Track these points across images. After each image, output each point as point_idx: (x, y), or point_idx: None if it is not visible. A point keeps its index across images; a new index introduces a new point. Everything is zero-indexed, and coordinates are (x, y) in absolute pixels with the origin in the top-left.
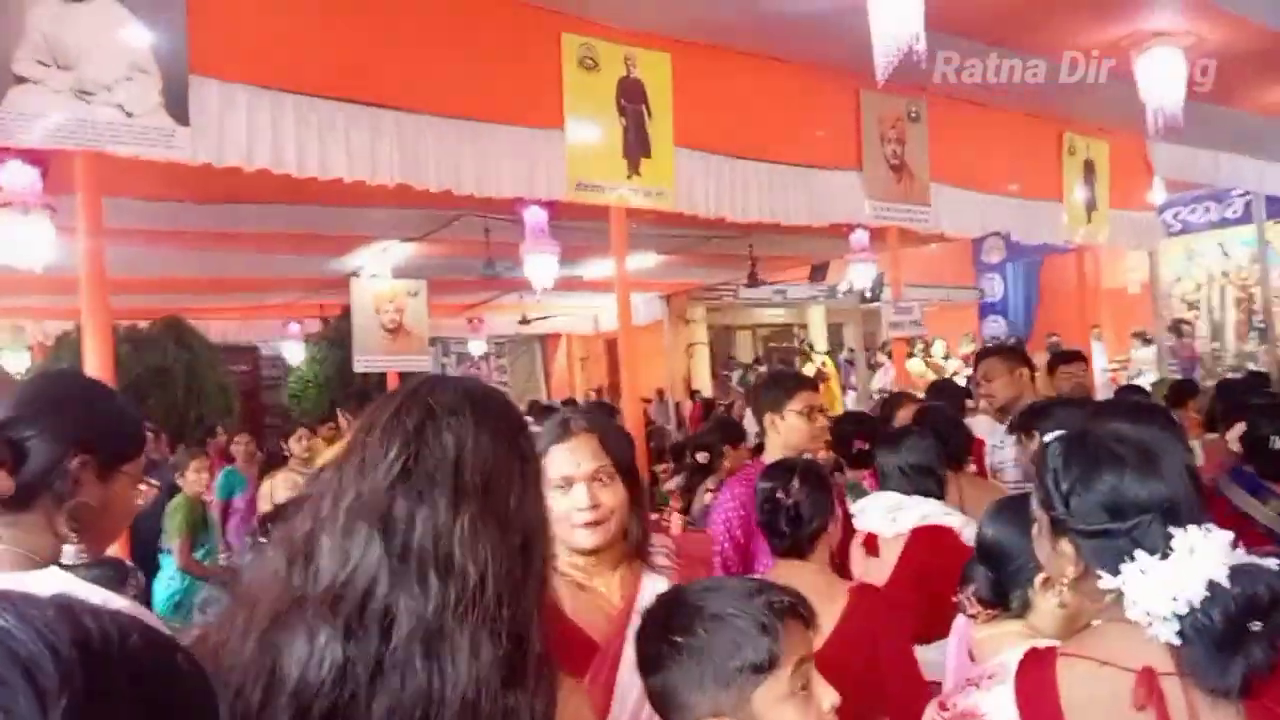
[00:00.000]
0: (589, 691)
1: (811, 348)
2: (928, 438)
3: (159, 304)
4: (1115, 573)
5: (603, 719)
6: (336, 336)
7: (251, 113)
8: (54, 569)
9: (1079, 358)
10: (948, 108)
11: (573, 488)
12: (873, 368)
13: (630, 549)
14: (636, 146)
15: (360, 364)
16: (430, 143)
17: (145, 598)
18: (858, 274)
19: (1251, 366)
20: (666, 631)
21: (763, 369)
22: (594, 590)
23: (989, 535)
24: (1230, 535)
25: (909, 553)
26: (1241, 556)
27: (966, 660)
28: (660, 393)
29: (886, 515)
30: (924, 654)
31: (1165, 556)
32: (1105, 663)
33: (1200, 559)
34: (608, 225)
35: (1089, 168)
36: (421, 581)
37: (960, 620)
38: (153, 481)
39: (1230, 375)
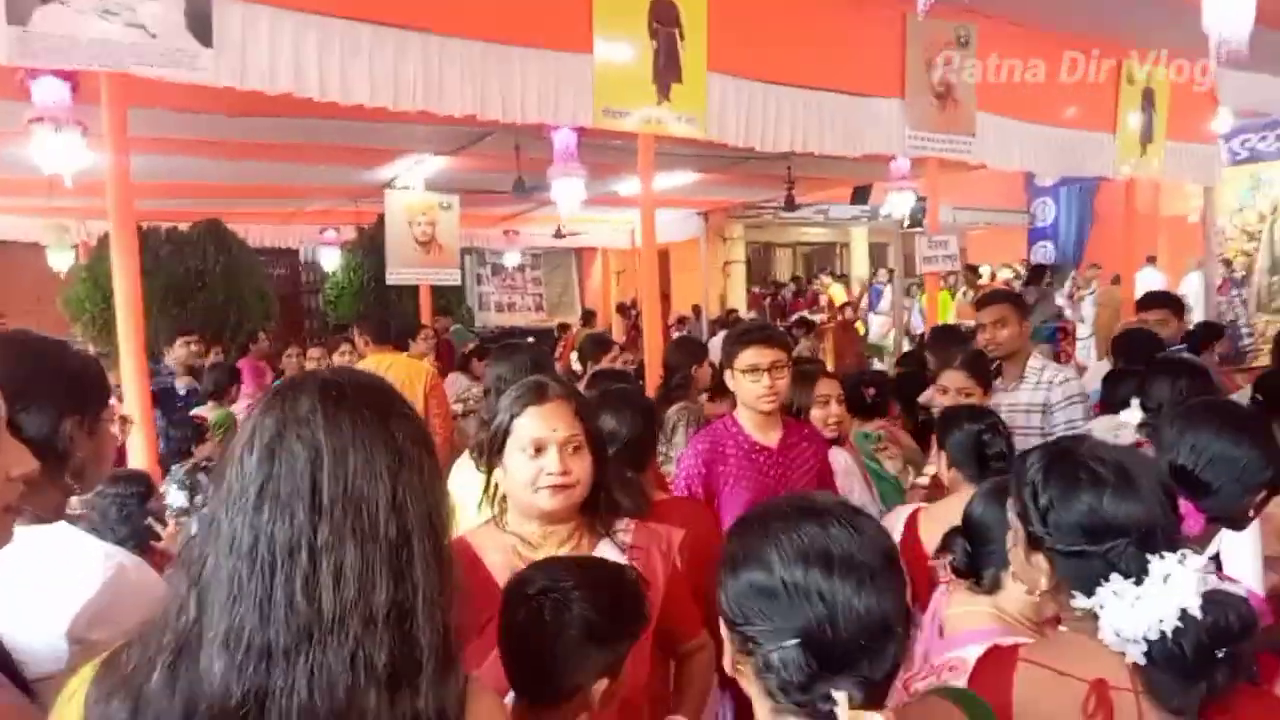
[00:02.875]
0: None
1: (831, 273)
2: None
3: (196, 208)
4: (1089, 593)
5: (503, 687)
6: (371, 246)
7: (274, 35)
8: (62, 524)
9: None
10: (999, 31)
11: (544, 452)
12: (910, 294)
13: (586, 522)
14: (668, 70)
15: (393, 276)
16: (455, 67)
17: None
18: (896, 201)
19: None
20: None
21: (788, 287)
22: (532, 560)
23: (976, 511)
24: (1204, 561)
25: None
26: (1214, 583)
27: (936, 635)
28: (696, 310)
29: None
30: None
31: (1139, 581)
32: (1063, 673)
33: (1175, 587)
34: (638, 145)
35: (1148, 96)
36: (289, 607)
37: (938, 594)
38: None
39: None
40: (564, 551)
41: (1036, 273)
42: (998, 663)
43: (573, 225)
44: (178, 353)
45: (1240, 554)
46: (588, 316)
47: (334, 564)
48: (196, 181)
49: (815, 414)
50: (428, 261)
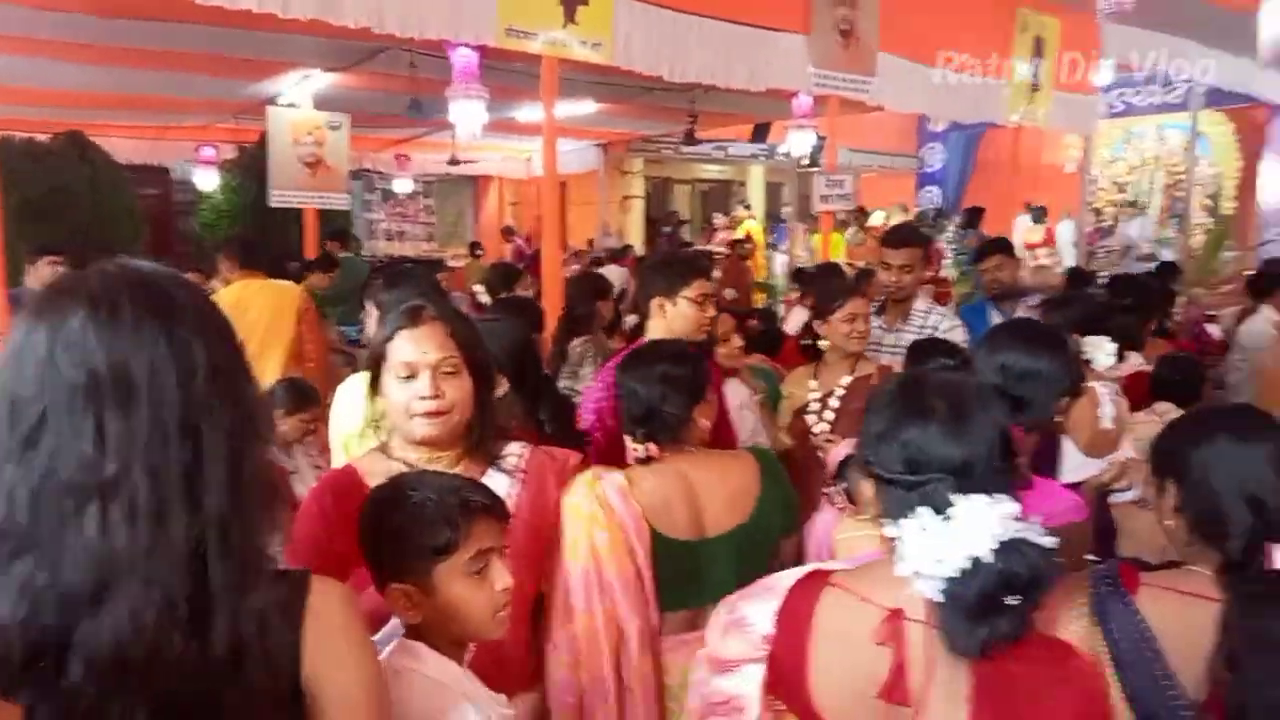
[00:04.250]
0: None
1: (748, 207)
2: None
3: (58, 118)
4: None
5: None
6: (253, 165)
7: None
8: None
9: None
10: None
11: (416, 376)
12: (811, 231)
13: (471, 446)
14: None
15: (276, 198)
16: None
17: None
18: (797, 140)
19: (1166, 253)
20: (370, 509)
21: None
22: None
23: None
24: (1015, 507)
25: None
26: (1017, 529)
27: (824, 556)
28: (590, 244)
29: None
30: None
31: (947, 519)
32: (865, 599)
33: (971, 529)
34: (541, 70)
35: (1038, 45)
36: (83, 552)
37: (821, 517)
38: None
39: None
40: None
41: (971, 216)
42: (809, 584)
43: (468, 153)
44: (41, 272)
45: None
46: (473, 248)
47: (126, 501)
48: (58, 89)
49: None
50: (314, 184)
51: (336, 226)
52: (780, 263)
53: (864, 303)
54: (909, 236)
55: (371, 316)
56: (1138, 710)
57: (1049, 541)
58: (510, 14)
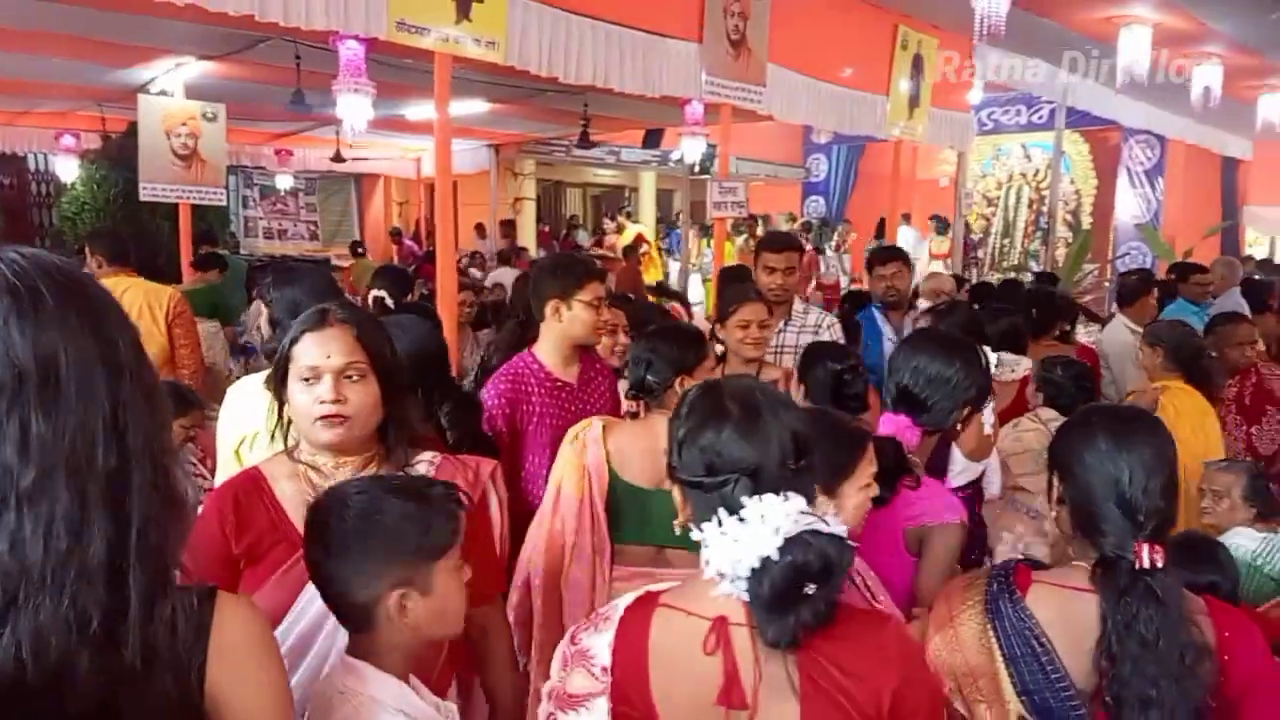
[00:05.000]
0: (281, 580)
1: (629, 215)
2: None
3: None
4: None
5: (282, 611)
6: (121, 156)
7: None
8: None
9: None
10: None
11: (319, 380)
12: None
13: (383, 452)
14: None
15: (147, 192)
16: None
17: None
18: (689, 147)
19: (1033, 264)
20: (344, 513)
21: (581, 228)
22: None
23: None
24: (800, 502)
25: None
26: (808, 524)
27: None
28: (480, 228)
29: None
30: None
31: (743, 520)
32: (692, 613)
33: (760, 528)
34: (433, 67)
35: (917, 63)
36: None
37: None
38: None
39: (1010, 272)
40: None
41: (879, 227)
42: (640, 609)
43: (354, 150)
44: None
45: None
46: (355, 248)
47: (44, 512)
48: None
49: (603, 342)
50: (188, 178)
51: (206, 225)
52: (675, 268)
53: (759, 308)
54: (787, 241)
55: (261, 316)
56: (1031, 703)
57: (839, 530)
58: (401, 8)
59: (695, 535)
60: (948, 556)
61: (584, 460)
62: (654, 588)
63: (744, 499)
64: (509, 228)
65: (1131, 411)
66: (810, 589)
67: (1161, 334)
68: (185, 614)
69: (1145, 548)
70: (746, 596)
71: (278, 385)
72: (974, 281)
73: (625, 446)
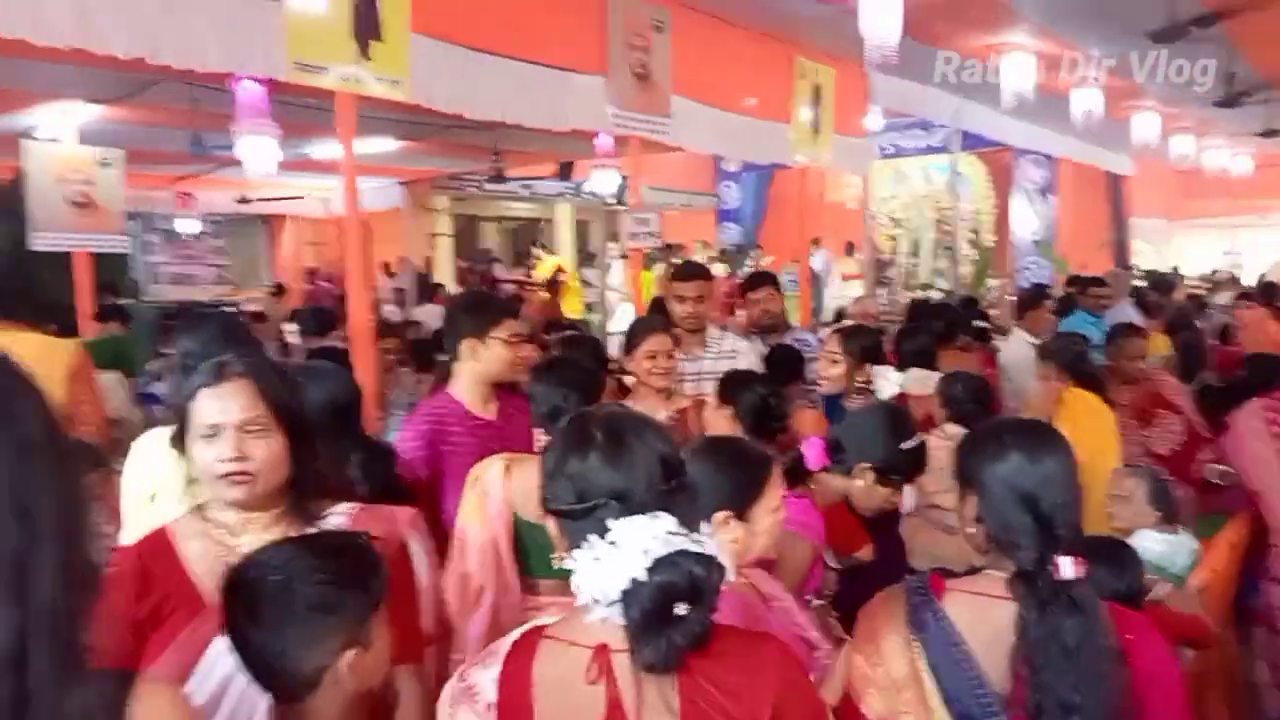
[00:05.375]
0: (184, 643)
1: (545, 247)
2: None
3: None
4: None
5: (183, 676)
6: (5, 204)
7: None
8: None
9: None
10: (691, 20)
11: (219, 436)
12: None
13: (292, 505)
14: (367, 27)
15: (40, 242)
16: (115, 1)
17: None
18: (600, 179)
19: (940, 282)
20: (282, 585)
21: (499, 262)
22: (235, 549)
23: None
24: (668, 522)
25: None
26: (678, 544)
27: None
28: (389, 266)
29: None
30: None
31: (613, 544)
32: (573, 642)
33: (625, 551)
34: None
35: (816, 93)
36: None
37: None
38: None
39: (920, 292)
40: (268, 538)
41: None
42: (525, 643)
43: (260, 191)
44: None
45: None
46: (279, 290)
47: None
48: None
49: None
50: (85, 225)
51: (107, 274)
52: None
53: (664, 339)
54: (695, 270)
55: (170, 366)
56: (954, 710)
57: (709, 549)
58: (300, 47)
59: (567, 563)
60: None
61: (485, 506)
62: (539, 621)
63: (611, 523)
64: (405, 264)
65: (1037, 425)
66: (682, 609)
67: (1051, 348)
68: (103, 704)
69: (1066, 560)
70: (621, 620)
71: (181, 441)
72: (884, 301)
73: (528, 485)
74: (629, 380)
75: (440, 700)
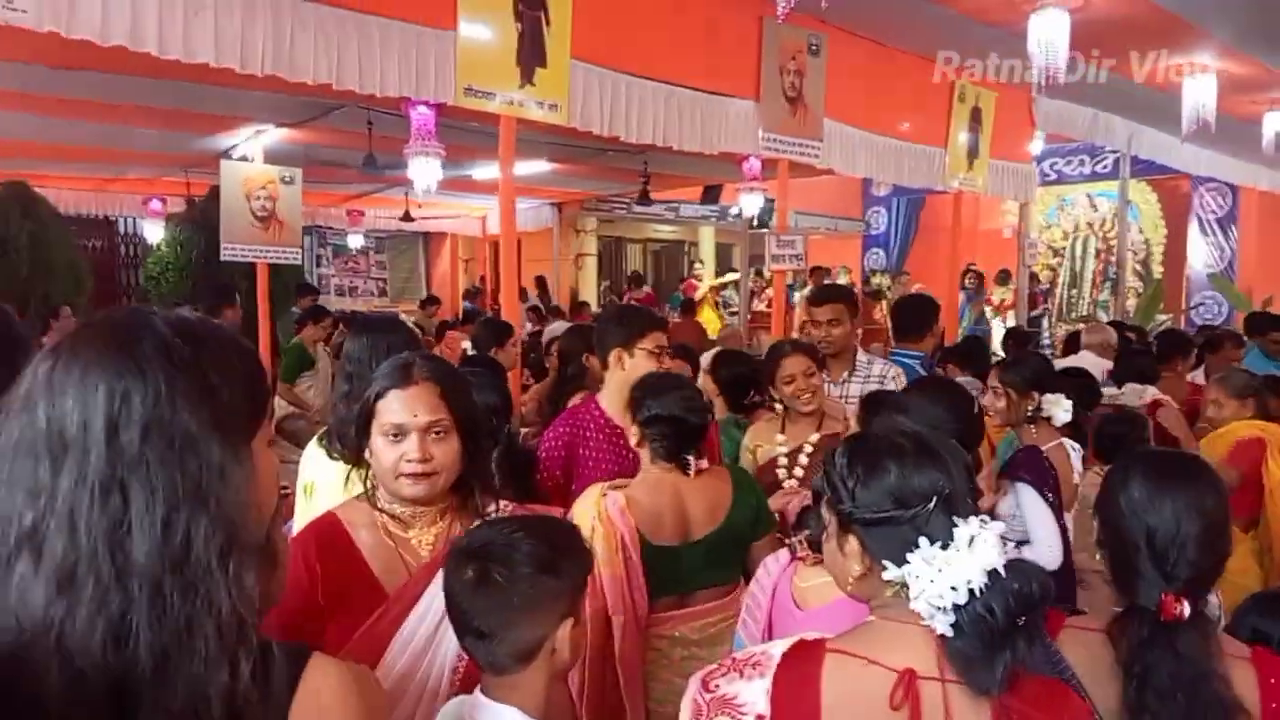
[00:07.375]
0: (370, 633)
1: (702, 263)
2: None
3: (1, 168)
4: (899, 563)
5: (372, 663)
6: (203, 219)
7: None
8: None
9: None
10: (848, 44)
11: (405, 438)
12: (754, 294)
13: (459, 503)
14: (532, 55)
15: (228, 253)
16: (308, 32)
17: None
18: (748, 202)
19: (1102, 315)
20: (513, 560)
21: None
22: (404, 540)
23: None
24: (1001, 527)
25: None
26: (1012, 552)
27: (792, 607)
28: (527, 291)
29: None
30: None
31: (946, 546)
32: (872, 661)
33: (980, 549)
34: (498, 129)
35: (975, 115)
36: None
37: (774, 561)
38: None
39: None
40: (434, 532)
41: (978, 280)
42: (804, 656)
43: (422, 209)
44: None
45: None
46: (429, 302)
47: (46, 558)
48: (3, 139)
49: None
50: (267, 239)
51: (300, 281)
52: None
53: (799, 359)
54: (831, 294)
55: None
56: None
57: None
58: (469, 74)
59: (891, 574)
60: None
61: (615, 530)
62: (805, 636)
63: (951, 523)
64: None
65: (1173, 456)
66: (1021, 620)
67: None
68: (260, 679)
69: (1172, 599)
70: (951, 631)
71: (359, 434)
72: (1047, 332)
73: (648, 510)
74: (778, 407)
75: (682, 710)
